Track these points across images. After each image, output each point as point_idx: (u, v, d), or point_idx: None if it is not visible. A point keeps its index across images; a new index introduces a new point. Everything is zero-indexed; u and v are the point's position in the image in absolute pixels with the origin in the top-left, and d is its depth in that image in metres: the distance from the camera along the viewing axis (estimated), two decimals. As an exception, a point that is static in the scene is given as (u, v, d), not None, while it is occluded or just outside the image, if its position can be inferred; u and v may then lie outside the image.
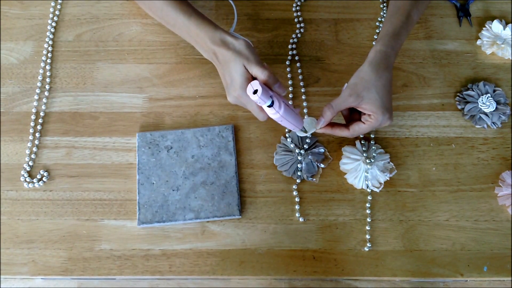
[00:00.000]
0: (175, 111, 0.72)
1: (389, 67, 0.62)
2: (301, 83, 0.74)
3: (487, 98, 0.72)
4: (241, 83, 0.58)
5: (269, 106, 0.57)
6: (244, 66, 0.58)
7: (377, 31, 0.78)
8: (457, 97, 0.73)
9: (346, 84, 0.62)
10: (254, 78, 0.59)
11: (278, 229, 0.65)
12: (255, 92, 0.56)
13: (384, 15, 0.79)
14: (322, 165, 0.68)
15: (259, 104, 0.57)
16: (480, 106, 0.71)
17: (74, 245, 0.64)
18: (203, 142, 0.68)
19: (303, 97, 0.73)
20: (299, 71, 0.75)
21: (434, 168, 0.69)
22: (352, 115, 0.65)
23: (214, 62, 0.63)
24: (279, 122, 0.60)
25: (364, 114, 0.62)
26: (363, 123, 0.62)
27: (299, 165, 0.68)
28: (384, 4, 0.80)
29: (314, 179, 0.68)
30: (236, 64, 0.59)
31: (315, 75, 0.75)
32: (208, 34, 0.62)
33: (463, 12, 0.80)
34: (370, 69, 0.61)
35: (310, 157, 0.68)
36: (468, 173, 0.68)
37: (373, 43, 0.77)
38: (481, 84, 0.73)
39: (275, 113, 0.58)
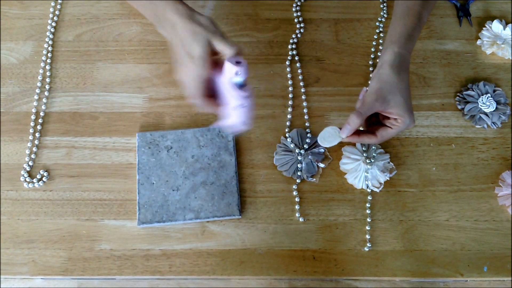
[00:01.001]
0: (175, 111, 0.72)
1: (407, 69, 0.60)
2: (301, 83, 0.74)
3: (487, 98, 0.72)
4: (202, 58, 0.54)
5: (241, 87, 0.53)
6: (208, 41, 0.55)
7: (377, 31, 0.78)
8: (457, 97, 0.73)
9: (364, 88, 0.61)
10: (214, 54, 0.55)
11: (278, 229, 0.65)
12: (238, 63, 0.51)
13: (384, 15, 0.79)
14: (322, 165, 0.68)
15: (232, 81, 0.53)
16: (480, 106, 0.71)
17: (74, 245, 0.64)
18: (203, 142, 0.68)
19: (303, 97, 0.73)
20: (299, 71, 0.75)
21: (434, 168, 0.69)
22: (370, 119, 0.63)
23: (170, 36, 0.59)
24: (235, 112, 0.55)
25: (389, 118, 0.60)
26: (390, 128, 0.59)
27: (299, 165, 0.68)
28: (385, 4, 0.80)
29: (314, 179, 0.68)
30: (200, 38, 0.55)
31: (315, 75, 0.75)
32: (170, 4, 0.58)
33: (463, 12, 0.80)
34: (392, 72, 0.58)
35: (310, 157, 0.68)
36: (468, 173, 0.68)
37: (373, 42, 0.77)
38: (481, 84, 0.73)
39: (244, 97, 0.53)
